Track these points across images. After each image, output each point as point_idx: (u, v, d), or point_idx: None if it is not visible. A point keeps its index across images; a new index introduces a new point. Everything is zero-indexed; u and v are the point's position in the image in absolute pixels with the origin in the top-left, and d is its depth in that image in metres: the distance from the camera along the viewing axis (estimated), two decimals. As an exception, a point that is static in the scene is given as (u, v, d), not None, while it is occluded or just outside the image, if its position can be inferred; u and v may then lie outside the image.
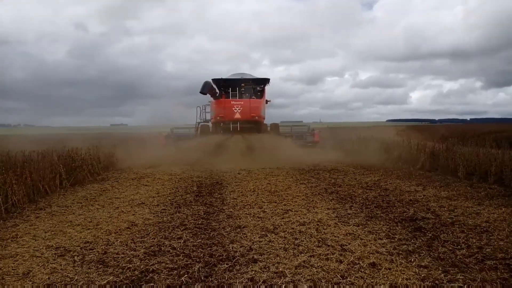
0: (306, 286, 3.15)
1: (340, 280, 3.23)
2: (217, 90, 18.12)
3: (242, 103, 17.41)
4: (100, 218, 5.45)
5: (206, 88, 17.33)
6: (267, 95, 19.24)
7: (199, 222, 5.16)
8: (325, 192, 7.22)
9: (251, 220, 5.18)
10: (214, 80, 18.04)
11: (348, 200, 6.52)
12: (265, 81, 19.23)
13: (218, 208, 5.98)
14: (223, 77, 18.49)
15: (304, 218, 5.25)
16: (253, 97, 18.23)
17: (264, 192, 7.29)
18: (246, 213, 5.56)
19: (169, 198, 6.84)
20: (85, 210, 6.01)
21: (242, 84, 18.25)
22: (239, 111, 17.24)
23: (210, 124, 18.98)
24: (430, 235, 4.46)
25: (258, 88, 18.86)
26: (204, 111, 19.46)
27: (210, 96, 18.23)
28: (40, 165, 7.85)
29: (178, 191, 7.55)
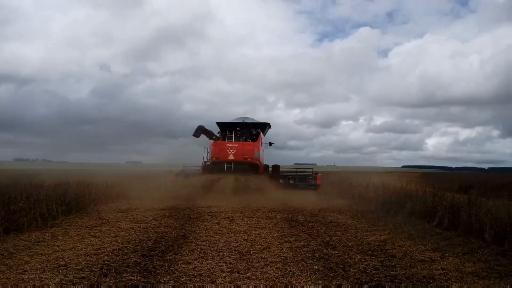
0: None
1: None
2: (216, 133, 20.04)
3: (236, 145, 18.90)
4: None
5: (198, 132, 18.88)
6: (270, 139, 21.59)
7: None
8: (311, 258, 5.53)
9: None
10: (217, 123, 20.48)
11: (339, 272, 4.83)
12: (265, 125, 21.45)
13: (155, 278, 4.38)
14: (229, 120, 20.68)
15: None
16: (248, 140, 19.69)
17: (232, 253, 5.65)
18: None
19: (106, 258, 5.26)
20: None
21: (238, 128, 19.91)
22: (233, 152, 18.74)
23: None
24: None
25: (253, 131, 20.35)
26: (208, 151, 20.88)
27: (208, 138, 19.82)
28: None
29: (126, 247, 5.97)
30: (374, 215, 10.61)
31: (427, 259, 5.66)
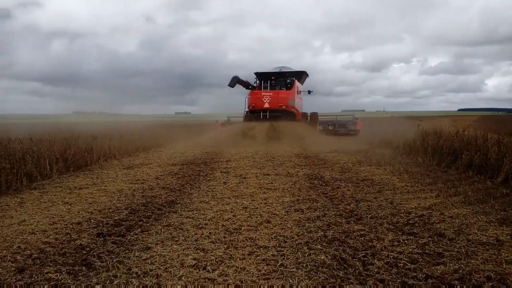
0: None
1: None
2: (252, 83, 21.11)
3: (271, 94, 19.71)
4: None
5: (233, 82, 19.94)
6: (314, 86, 22.66)
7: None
8: (321, 240, 3.98)
9: None
10: (255, 73, 21.38)
11: (355, 268, 3.28)
12: (301, 74, 22.28)
13: (86, 277, 3.08)
14: (268, 70, 21.53)
15: None
16: (283, 88, 20.45)
17: (216, 231, 4.23)
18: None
19: (46, 240, 4.04)
20: None
21: (272, 78, 20.66)
22: (268, 101, 19.57)
23: None
24: None
25: (288, 80, 20.93)
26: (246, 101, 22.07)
27: (244, 88, 20.86)
28: None
29: (89, 220, 4.73)
30: (421, 169, 8.75)
31: (491, 240, 3.92)
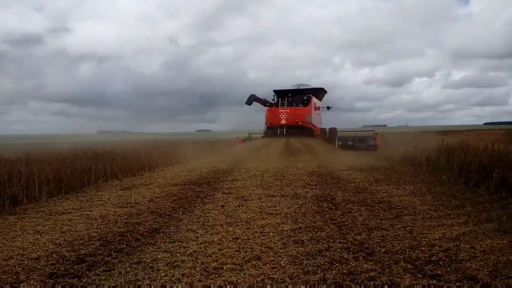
0: None
1: None
2: (271, 100, 21.77)
3: (288, 110, 20.20)
4: None
5: (250, 100, 20.42)
6: (333, 102, 23.05)
7: None
8: (318, 285, 3.18)
9: None
10: (274, 91, 22.23)
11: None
12: (318, 90, 22.72)
13: None
14: (287, 88, 22.36)
15: None
16: (300, 105, 20.93)
17: (195, 268, 3.49)
18: None
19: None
20: None
21: (289, 94, 21.42)
22: (284, 117, 19.95)
23: None
24: None
25: (305, 97, 21.49)
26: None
27: (263, 106, 21.52)
28: None
29: (51, 255, 4.06)
30: (446, 189, 7.79)
31: (540, 287, 3.03)
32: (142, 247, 4.26)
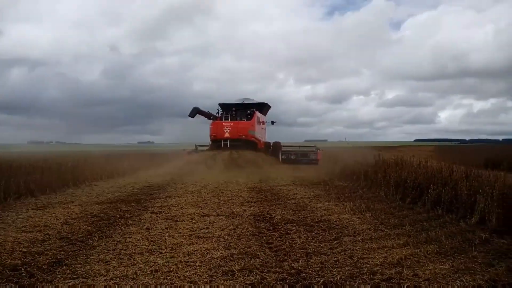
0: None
1: None
2: (215, 113, 21.90)
3: (232, 124, 20.53)
4: None
5: (193, 113, 20.86)
6: (277, 117, 23.11)
7: None
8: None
9: None
10: (219, 104, 22.24)
11: None
12: (262, 105, 23.14)
13: None
14: (231, 101, 22.59)
15: None
16: (243, 119, 21.35)
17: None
18: None
19: None
20: None
21: (233, 108, 21.70)
22: (228, 131, 20.23)
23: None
24: None
25: (248, 111, 21.77)
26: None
27: (207, 119, 21.73)
28: None
29: None
30: (384, 206, 7.68)
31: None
32: (35, 286, 3.44)
